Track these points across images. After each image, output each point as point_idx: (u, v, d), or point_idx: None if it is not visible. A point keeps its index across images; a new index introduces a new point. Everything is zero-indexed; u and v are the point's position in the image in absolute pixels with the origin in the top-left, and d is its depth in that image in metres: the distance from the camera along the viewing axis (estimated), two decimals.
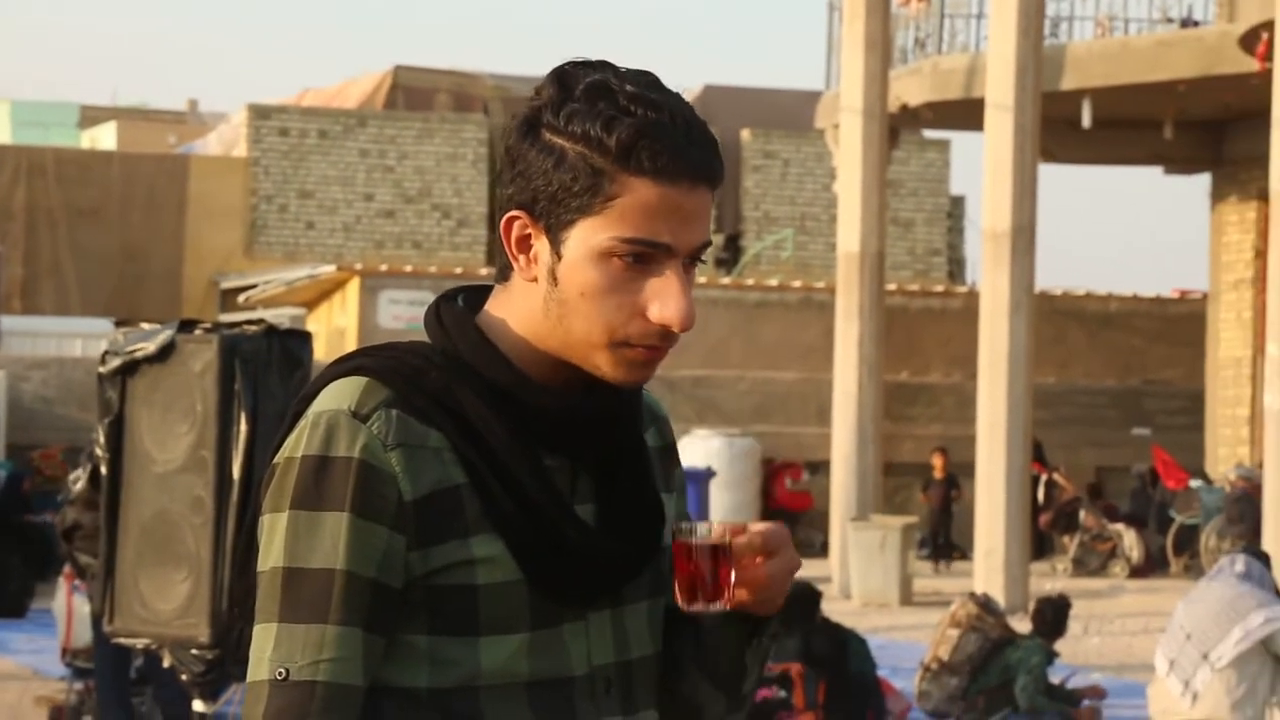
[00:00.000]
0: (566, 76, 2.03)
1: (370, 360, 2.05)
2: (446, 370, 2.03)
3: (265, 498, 2.01)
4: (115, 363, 6.21)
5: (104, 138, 34.80)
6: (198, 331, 6.20)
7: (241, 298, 26.95)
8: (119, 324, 6.52)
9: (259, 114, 29.41)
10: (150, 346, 6.16)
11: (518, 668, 2.01)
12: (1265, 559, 8.57)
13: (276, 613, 1.97)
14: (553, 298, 2.02)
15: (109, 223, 28.71)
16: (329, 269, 25.31)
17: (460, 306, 2.10)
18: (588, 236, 1.99)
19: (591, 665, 2.07)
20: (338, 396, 2.01)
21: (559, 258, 2.01)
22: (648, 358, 2.03)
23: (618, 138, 1.97)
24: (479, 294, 2.13)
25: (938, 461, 20.97)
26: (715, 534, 2.03)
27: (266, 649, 1.97)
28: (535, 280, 2.03)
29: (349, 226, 29.50)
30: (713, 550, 2.02)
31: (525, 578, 2.01)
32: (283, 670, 1.95)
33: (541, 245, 2.02)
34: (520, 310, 2.05)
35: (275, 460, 2.02)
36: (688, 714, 2.17)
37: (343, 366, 2.06)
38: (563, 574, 2.03)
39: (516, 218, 2.03)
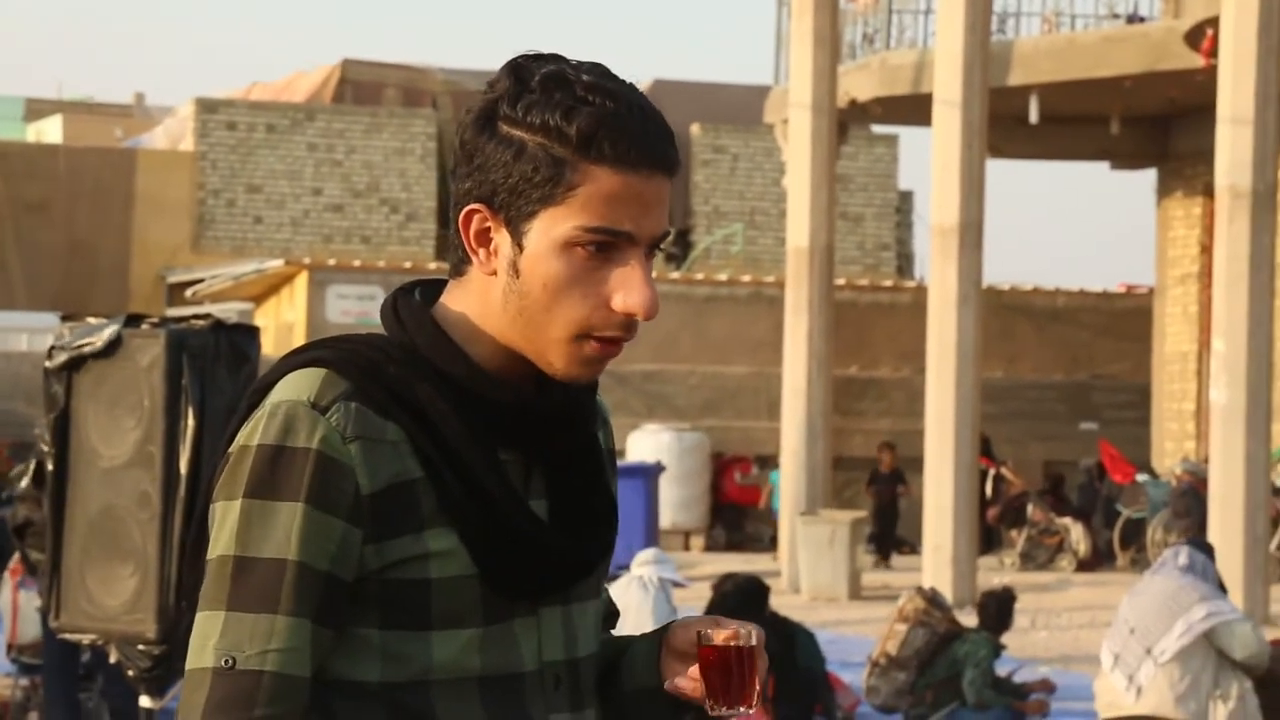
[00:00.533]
0: (521, 69, 2.02)
1: (328, 352, 2.04)
2: (403, 364, 2.03)
3: (217, 485, 2.00)
4: (61, 358, 6.17)
5: (50, 131, 34.58)
6: (145, 326, 6.17)
7: (189, 292, 26.83)
8: (65, 319, 6.48)
9: (206, 108, 29.28)
10: (97, 341, 6.13)
11: (469, 662, 2.01)
12: (1209, 551, 8.60)
13: (225, 600, 1.95)
14: (513, 290, 2.01)
15: (55, 217, 28.54)
16: (277, 263, 25.22)
17: (416, 300, 2.10)
18: (550, 227, 2.00)
19: (542, 661, 2.07)
20: (296, 387, 2.00)
21: (520, 250, 2.01)
22: (605, 353, 2.03)
23: (578, 126, 1.98)
24: (435, 287, 2.12)
25: (884, 457, 21.03)
26: (749, 637, 2.03)
27: (211, 636, 1.95)
28: (494, 274, 2.03)
29: (297, 221, 29.40)
30: (748, 653, 2.03)
31: (478, 572, 2.00)
32: (229, 659, 1.93)
33: (502, 238, 2.02)
34: (478, 304, 2.05)
35: (229, 449, 2.01)
36: None
37: (300, 357, 2.05)
38: (516, 569, 2.03)
39: (476, 211, 2.03)
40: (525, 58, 2.05)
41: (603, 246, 1.99)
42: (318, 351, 2.05)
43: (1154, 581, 8.41)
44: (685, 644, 2.12)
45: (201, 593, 1.98)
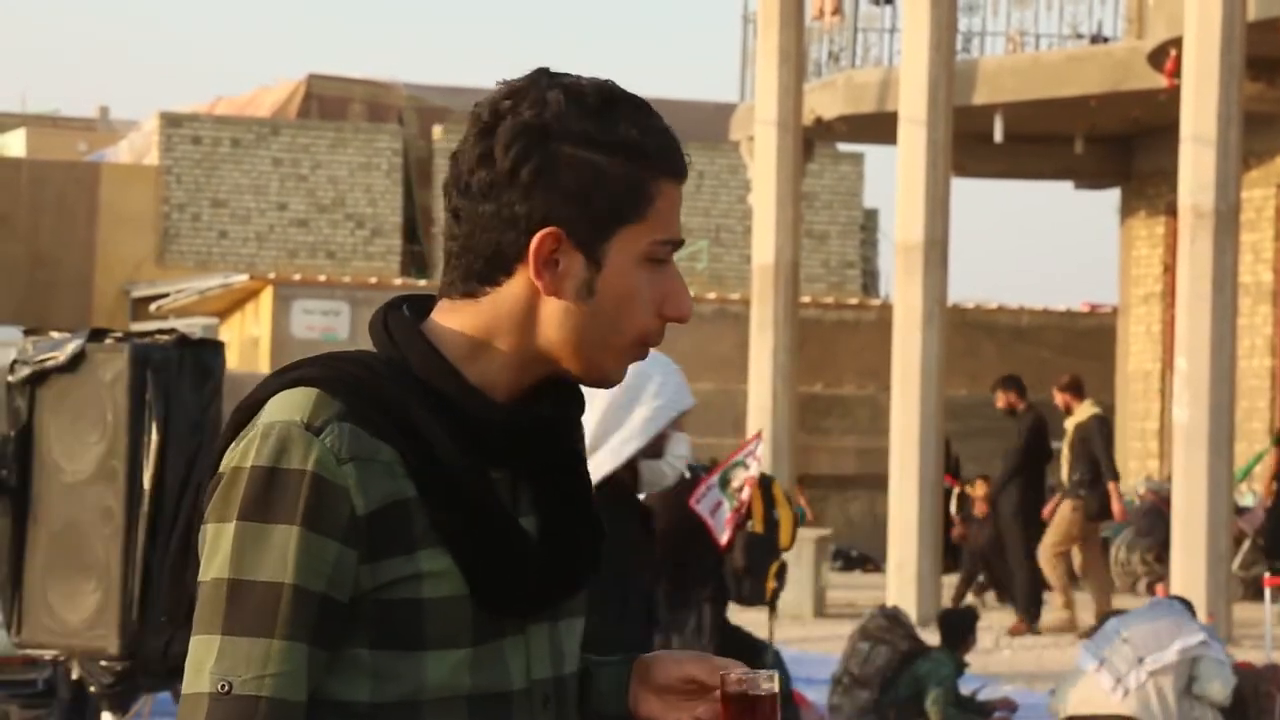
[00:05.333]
0: (569, 87, 2.03)
1: (318, 371, 2.02)
2: (394, 382, 2.01)
3: (209, 507, 1.98)
4: (24, 371, 6.15)
5: (13, 144, 34.45)
6: (108, 341, 6.15)
7: (153, 307, 26.74)
8: (28, 333, 6.46)
9: (171, 122, 29.20)
10: (60, 356, 6.10)
11: (460, 682, 2.00)
12: (1190, 607, 9.05)
13: (220, 625, 1.93)
14: (581, 309, 2.02)
15: (17, 230, 28.43)
16: (242, 278, 25.15)
17: (408, 316, 2.08)
18: (630, 244, 2.02)
19: (531, 679, 2.06)
20: (288, 407, 1.98)
21: (598, 269, 2.02)
22: (644, 355, 2.10)
23: (654, 144, 2.02)
24: (423, 303, 2.11)
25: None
26: (773, 683, 2.05)
27: (207, 661, 1.93)
28: (554, 295, 2.02)
29: (262, 236, 29.33)
30: (771, 701, 2.04)
31: (469, 592, 2.00)
32: (226, 683, 1.92)
33: (572, 259, 2.01)
34: (507, 323, 2.03)
35: (220, 470, 1.99)
36: None
37: (288, 376, 2.03)
38: (509, 587, 2.02)
39: (551, 234, 2.01)
40: (547, 73, 2.05)
41: (661, 257, 2.04)
42: (307, 370, 2.03)
43: (1155, 610, 8.75)
44: (670, 681, 2.12)
45: (195, 616, 1.96)
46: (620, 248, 2.02)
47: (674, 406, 4.16)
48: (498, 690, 2.03)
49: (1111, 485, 15.46)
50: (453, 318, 2.06)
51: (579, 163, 2.00)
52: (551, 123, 2.00)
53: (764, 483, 10.00)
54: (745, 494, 9.32)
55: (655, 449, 4.16)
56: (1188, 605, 8.98)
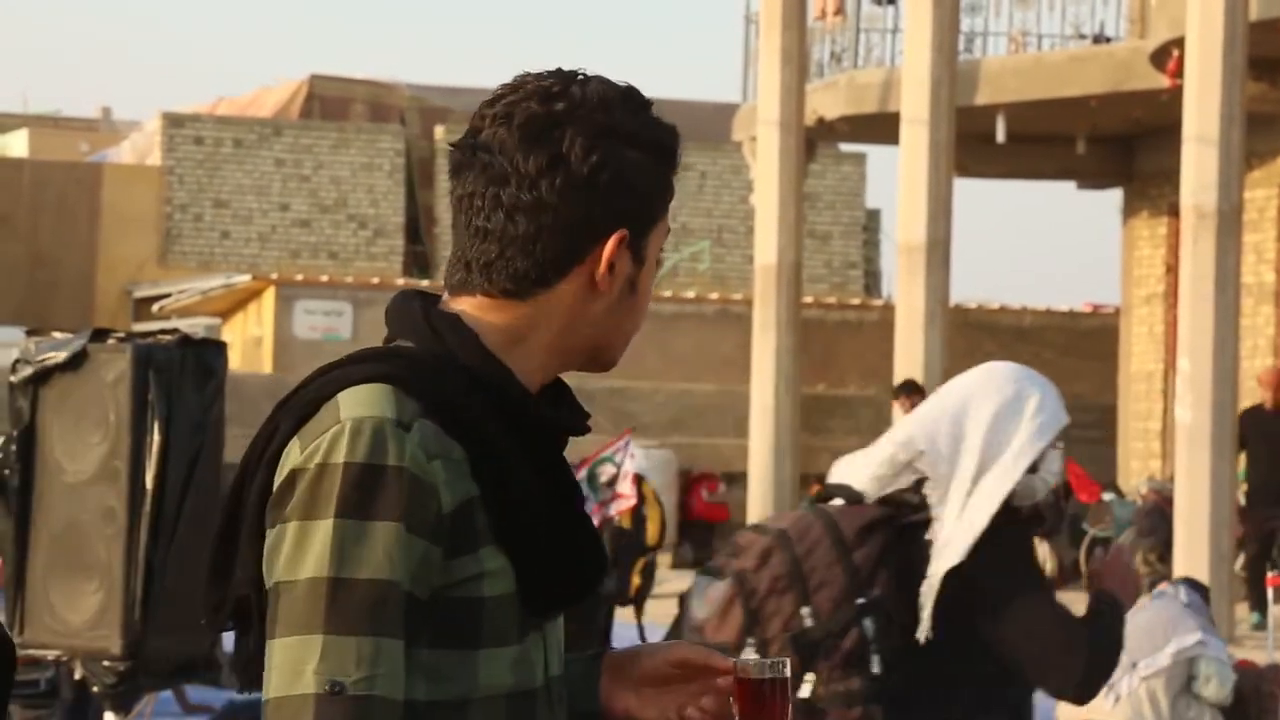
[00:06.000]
0: (610, 86, 2.05)
1: (388, 368, 1.99)
2: (454, 380, 2.00)
3: (287, 505, 1.94)
4: (26, 371, 6.15)
5: (15, 145, 34.45)
6: (111, 341, 6.15)
7: (155, 307, 26.75)
8: (30, 333, 6.46)
9: (173, 122, 29.20)
10: (61, 355, 6.10)
11: (504, 680, 2.01)
12: (1204, 591, 8.85)
13: (320, 624, 1.89)
14: (625, 306, 2.06)
15: (19, 231, 28.43)
16: (244, 278, 25.16)
17: (449, 312, 2.06)
18: (658, 239, 2.08)
19: (547, 676, 2.07)
20: (373, 404, 1.95)
21: (640, 265, 2.06)
22: None
23: (673, 140, 2.08)
24: (432, 298, 2.09)
25: None
26: (783, 668, 2.05)
27: (309, 661, 1.89)
28: (608, 293, 2.05)
29: (264, 236, 29.33)
30: (782, 685, 2.05)
31: (517, 589, 1.99)
32: (336, 684, 1.88)
33: (624, 258, 2.04)
34: (552, 321, 2.04)
35: (295, 465, 1.95)
36: None
37: (355, 371, 2.00)
38: (557, 584, 2.03)
39: (621, 237, 2.04)
40: (572, 72, 2.07)
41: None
42: (372, 366, 2.00)
43: (1153, 605, 8.60)
44: (654, 670, 2.12)
45: (283, 617, 1.91)
46: (653, 243, 2.07)
47: (1056, 423, 4.31)
48: (529, 688, 2.03)
49: None
50: (494, 314, 2.04)
51: (638, 165, 2.03)
52: (616, 125, 2.02)
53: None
54: (625, 488, 9.43)
55: (1032, 464, 4.31)
56: (1200, 590, 8.83)
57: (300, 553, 1.92)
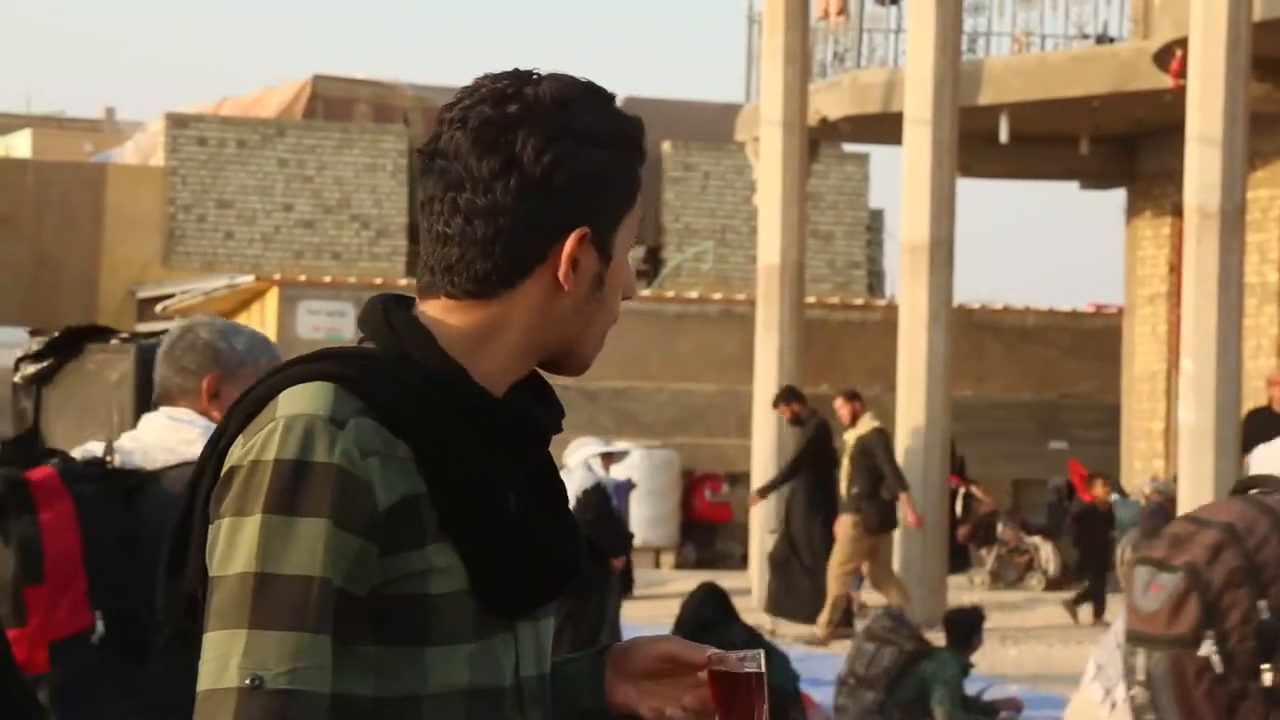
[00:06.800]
0: (565, 83, 2.04)
1: (332, 366, 2.01)
2: (405, 379, 2.01)
3: (221, 502, 1.96)
4: (30, 369, 6.15)
5: (19, 145, 34.46)
6: (114, 341, 6.16)
7: (159, 307, 26.76)
8: (34, 333, 6.46)
9: (176, 123, 29.22)
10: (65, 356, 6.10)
11: (460, 678, 2.01)
12: None
13: (247, 619, 1.91)
14: (592, 301, 2.05)
15: (23, 231, 28.45)
16: (247, 279, 25.18)
17: (410, 313, 2.07)
18: (627, 233, 2.06)
19: (518, 677, 2.07)
20: (309, 401, 1.97)
21: (608, 262, 2.05)
22: None
23: (636, 132, 2.06)
24: (405, 301, 2.11)
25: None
26: (759, 662, 2.06)
27: (233, 655, 1.91)
28: (573, 292, 2.04)
29: (268, 236, 29.35)
30: (758, 679, 2.06)
31: (471, 588, 2.00)
32: (257, 678, 1.90)
33: (590, 255, 2.04)
34: (516, 322, 2.04)
35: (233, 463, 1.97)
36: None
37: (299, 371, 2.02)
38: (512, 584, 2.03)
39: (582, 235, 2.03)
40: (528, 72, 2.06)
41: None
42: (319, 365, 2.02)
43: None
44: (646, 664, 2.12)
45: (213, 611, 1.94)
46: (621, 239, 2.06)
47: None
48: (491, 686, 2.03)
49: (903, 495, 15.31)
50: (457, 316, 2.05)
51: (597, 161, 2.02)
52: (571, 124, 2.01)
53: None
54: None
55: None
56: None
57: (231, 548, 1.94)
